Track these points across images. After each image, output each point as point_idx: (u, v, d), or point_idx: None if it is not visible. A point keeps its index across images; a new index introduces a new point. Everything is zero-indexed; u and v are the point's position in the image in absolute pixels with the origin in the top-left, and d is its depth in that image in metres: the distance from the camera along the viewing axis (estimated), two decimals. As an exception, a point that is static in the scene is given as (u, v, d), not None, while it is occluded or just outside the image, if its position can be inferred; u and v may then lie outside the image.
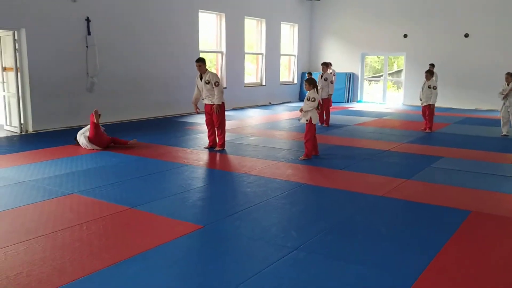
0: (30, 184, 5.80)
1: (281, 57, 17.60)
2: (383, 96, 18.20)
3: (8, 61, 9.80)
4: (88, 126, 8.09)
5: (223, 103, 8.05)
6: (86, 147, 7.92)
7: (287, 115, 13.54)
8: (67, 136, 8.92)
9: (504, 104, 9.99)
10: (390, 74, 21.19)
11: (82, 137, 8.04)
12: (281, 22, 17.30)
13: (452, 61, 15.94)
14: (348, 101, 18.08)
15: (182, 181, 6.10)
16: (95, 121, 7.88)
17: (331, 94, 11.68)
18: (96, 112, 7.96)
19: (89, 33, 10.60)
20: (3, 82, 10.04)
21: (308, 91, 7.39)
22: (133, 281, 3.31)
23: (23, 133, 9.73)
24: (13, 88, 9.74)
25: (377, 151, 8.21)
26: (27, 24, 9.52)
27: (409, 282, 3.31)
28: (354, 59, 18.20)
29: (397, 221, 4.76)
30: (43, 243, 3.95)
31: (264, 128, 10.90)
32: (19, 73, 9.63)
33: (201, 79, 7.99)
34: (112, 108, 11.29)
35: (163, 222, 4.54)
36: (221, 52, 14.76)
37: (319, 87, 9.32)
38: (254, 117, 13.13)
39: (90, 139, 7.89)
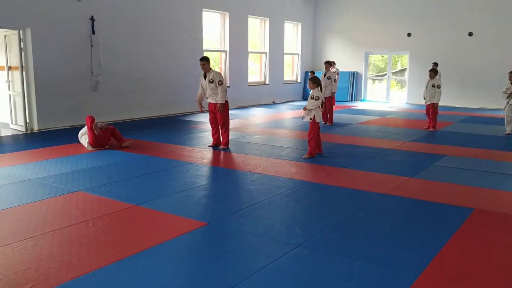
0: (37, 181, 5.86)
1: (285, 56, 17.63)
2: (387, 95, 18.20)
3: (14, 60, 9.88)
4: (86, 128, 8.09)
5: (226, 101, 8.09)
6: (88, 148, 7.94)
7: (291, 114, 13.57)
8: (72, 134, 8.98)
9: (508, 102, 9.99)
10: (394, 73, 21.19)
11: (83, 139, 8.06)
12: (285, 21, 17.32)
13: (456, 60, 15.93)
14: (351, 100, 18.09)
15: (186, 179, 6.15)
16: (95, 132, 7.84)
17: (334, 93, 11.72)
18: (93, 121, 7.86)
19: (93, 32, 10.67)
20: (9, 81, 10.12)
21: (312, 90, 7.42)
22: (138, 277, 3.36)
23: (28, 131, 9.81)
24: (18, 87, 9.81)
25: (380, 149, 8.23)
26: (32, 24, 9.59)
27: (411, 279, 3.34)
28: (357, 58, 18.20)
29: (400, 219, 4.79)
30: (50, 239, 4.01)
31: (267, 127, 10.94)
32: (24, 72, 9.70)
33: (205, 77, 8.04)
34: (117, 107, 11.36)
35: (168, 219, 4.59)
36: (225, 51, 14.80)
37: (322, 86, 9.35)
38: (257, 116, 13.17)
39: (91, 144, 7.90)
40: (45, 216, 4.60)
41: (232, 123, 9.30)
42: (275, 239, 4.07)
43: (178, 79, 13.01)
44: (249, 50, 15.80)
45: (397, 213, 4.97)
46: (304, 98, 18.29)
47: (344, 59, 18.20)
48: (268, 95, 16.78)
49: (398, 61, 22.83)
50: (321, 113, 7.54)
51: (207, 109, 8.36)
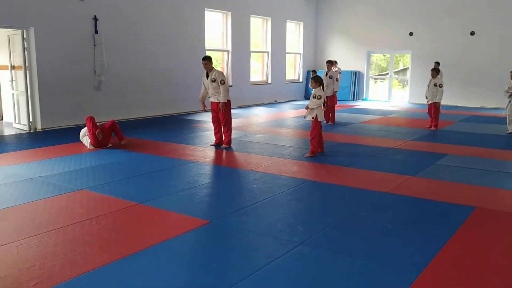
0: (40, 180, 5.90)
1: (287, 55, 17.65)
2: (389, 94, 18.21)
3: (17, 60, 9.93)
4: (86, 129, 8.07)
5: (228, 101, 8.12)
6: (90, 147, 7.96)
7: (293, 113, 13.59)
8: (75, 133, 9.00)
9: (510, 102, 9.99)
10: (395, 73, 21.18)
11: (84, 140, 8.08)
12: (287, 20, 17.34)
13: (457, 59, 15.92)
14: (353, 99, 18.10)
15: (189, 177, 6.18)
16: (99, 138, 7.84)
17: (336, 92, 11.74)
18: (94, 124, 7.88)
19: (96, 32, 10.71)
20: (12, 80, 10.18)
21: (314, 89, 7.45)
22: (142, 274, 3.39)
23: (32, 131, 9.86)
24: (21, 87, 9.86)
25: (382, 148, 8.25)
26: (36, 23, 9.63)
27: (412, 277, 3.36)
28: (359, 57, 18.21)
29: (402, 217, 4.81)
30: (54, 237, 4.04)
31: (270, 126, 10.96)
32: (27, 72, 9.75)
33: (207, 77, 8.06)
34: (119, 106, 11.40)
35: (171, 217, 4.62)
36: (227, 51, 14.83)
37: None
38: (260, 115, 13.19)
39: (93, 145, 7.92)
40: (49, 214, 4.63)
41: (234, 122, 9.32)
42: (277, 237, 4.10)
43: (181, 79, 13.04)
44: (251, 49, 15.83)
45: (399, 212, 4.99)
46: (306, 97, 18.31)
47: (346, 58, 18.21)
48: (270, 95, 16.80)
49: (400, 60, 22.82)
50: (323, 112, 7.56)
51: (210, 108, 8.38)
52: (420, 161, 7.23)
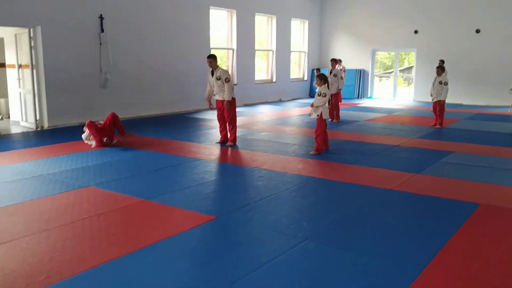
0: (48, 177, 5.97)
1: (292, 53, 17.66)
2: (394, 92, 18.19)
3: (24, 59, 10.00)
4: (87, 132, 8.08)
5: (233, 98, 8.16)
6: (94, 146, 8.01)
7: (298, 111, 13.61)
8: (82, 131, 9.08)
9: (515, 99, 9.98)
10: (401, 71, 21.16)
11: (88, 142, 8.11)
12: (292, 18, 17.35)
13: (463, 57, 15.88)
14: (358, 98, 18.09)
15: (195, 174, 6.23)
16: (106, 143, 7.93)
17: (340, 89, 11.77)
18: (97, 130, 7.93)
19: (102, 30, 10.78)
20: (19, 79, 10.26)
21: (319, 87, 7.48)
22: (149, 269, 3.44)
23: (39, 129, 9.94)
24: (28, 85, 9.94)
25: (387, 146, 8.27)
26: (42, 22, 9.71)
27: (416, 273, 3.39)
28: (364, 55, 18.19)
29: (406, 214, 4.84)
30: (62, 232, 4.10)
31: (274, 124, 11.00)
32: (34, 70, 9.82)
33: (212, 75, 8.12)
34: (125, 104, 11.46)
35: (178, 213, 4.68)
36: (232, 49, 14.86)
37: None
38: (264, 113, 13.23)
39: (99, 145, 7.97)
40: (57, 210, 4.70)
41: (239, 120, 9.36)
42: (283, 233, 4.14)
43: (186, 77, 13.09)
44: (256, 48, 15.85)
45: (403, 208, 5.02)
46: (311, 95, 18.31)
47: (351, 56, 18.20)
48: (275, 93, 16.82)
49: (405, 58, 22.79)
50: (328, 110, 7.59)
51: (215, 106, 8.43)
52: (424, 159, 7.25)
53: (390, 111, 13.75)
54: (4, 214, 4.59)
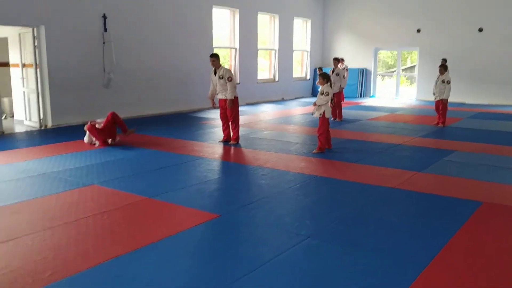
0: (52, 175, 6.00)
1: (294, 52, 17.66)
2: (396, 91, 18.18)
3: (28, 58, 10.05)
4: (88, 134, 8.11)
5: (236, 97, 8.18)
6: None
7: (300, 110, 13.62)
8: (84, 131, 9.12)
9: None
10: (403, 70, 21.14)
11: (92, 144, 8.14)
12: (294, 17, 17.36)
13: (465, 56, 15.86)
14: (361, 96, 18.09)
15: (198, 173, 6.26)
16: (108, 143, 7.96)
17: (343, 88, 11.78)
18: (99, 132, 7.95)
19: (105, 30, 10.81)
20: (23, 78, 10.30)
21: (321, 86, 7.49)
22: (153, 267, 3.46)
23: (43, 128, 9.98)
24: (32, 84, 9.99)
25: (389, 145, 8.28)
26: (46, 21, 9.75)
27: (418, 270, 3.41)
28: (367, 54, 18.19)
29: (409, 212, 4.85)
30: (67, 230, 4.13)
31: (277, 123, 11.02)
32: (38, 70, 9.86)
33: (215, 74, 8.14)
34: (128, 104, 11.50)
35: (181, 211, 4.70)
36: (235, 48, 14.88)
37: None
38: (267, 112, 13.25)
39: (102, 145, 8.00)
40: (61, 208, 4.73)
41: (242, 119, 9.40)
42: (286, 231, 4.16)
43: (189, 76, 13.12)
44: (259, 47, 15.87)
45: (406, 207, 5.03)
46: (313, 94, 18.31)
47: (353, 55, 18.19)
48: (277, 92, 16.84)
49: (408, 57, 22.77)
50: (331, 108, 7.61)
51: (218, 105, 8.45)
52: (427, 157, 7.26)
53: (392, 110, 13.74)
54: (9, 212, 4.62)
